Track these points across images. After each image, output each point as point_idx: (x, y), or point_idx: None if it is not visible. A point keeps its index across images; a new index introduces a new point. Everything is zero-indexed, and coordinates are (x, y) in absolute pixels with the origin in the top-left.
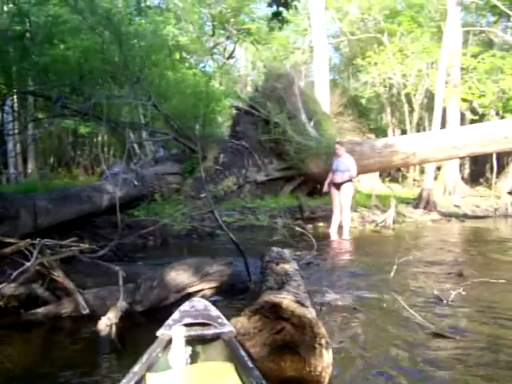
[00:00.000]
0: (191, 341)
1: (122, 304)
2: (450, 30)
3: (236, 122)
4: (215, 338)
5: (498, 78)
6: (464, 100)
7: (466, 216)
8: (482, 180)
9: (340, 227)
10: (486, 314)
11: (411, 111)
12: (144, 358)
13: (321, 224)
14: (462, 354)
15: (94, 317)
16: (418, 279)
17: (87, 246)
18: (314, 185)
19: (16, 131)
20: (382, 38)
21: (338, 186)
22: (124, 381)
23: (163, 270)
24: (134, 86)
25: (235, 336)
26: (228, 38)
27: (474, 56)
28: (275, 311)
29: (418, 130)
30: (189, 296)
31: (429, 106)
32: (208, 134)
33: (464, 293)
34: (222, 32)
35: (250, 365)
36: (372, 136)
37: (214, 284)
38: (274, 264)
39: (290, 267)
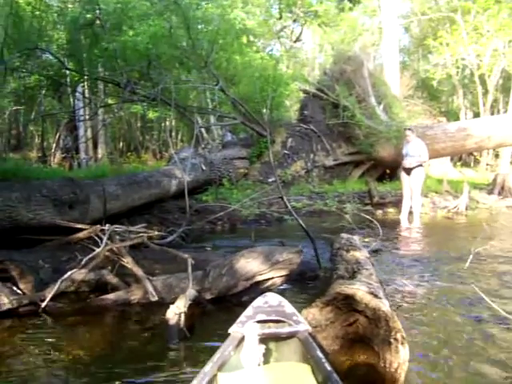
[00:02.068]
0: (265, 339)
1: (190, 292)
2: None
3: (304, 105)
4: (290, 336)
5: None
6: None
7: None
8: None
9: (410, 213)
10: None
11: (485, 93)
12: (216, 356)
13: (391, 210)
14: None
15: (163, 304)
16: (495, 270)
17: (156, 232)
18: (384, 170)
19: (87, 117)
20: (456, 16)
21: (408, 171)
22: (195, 381)
23: (232, 258)
24: (201, 70)
25: (311, 334)
26: (295, 20)
27: None
28: (348, 303)
29: (492, 113)
30: (258, 284)
31: (504, 88)
32: (276, 118)
33: None
34: (289, 15)
35: (328, 367)
36: (443, 119)
37: (283, 272)
38: (344, 251)
39: (361, 255)
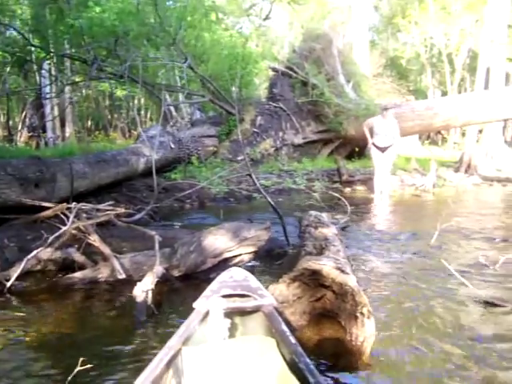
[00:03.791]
0: (230, 313)
1: (158, 269)
2: None
3: (273, 83)
4: (255, 310)
5: None
6: (510, 60)
7: (508, 180)
8: None
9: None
10: None
11: (453, 72)
12: (180, 331)
13: (359, 187)
14: None
15: (131, 282)
16: (460, 245)
17: (123, 210)
18: (353, 147)
19: (53, 94)
20: None
21: (383, 149)
22: (160, 355)
23: (200, 235)
24: (169, 47)
25: (276, 308)
26: None
27: None
28: (315, 278)
29: (459, 92)
30: (226, 261)
31: (471, 67)
32: (245, 96)
33: None
34: None
35: (292, 340)
36: (412, 98)
37: (251, 249)
38: (312, 228)
39: (329, 231)
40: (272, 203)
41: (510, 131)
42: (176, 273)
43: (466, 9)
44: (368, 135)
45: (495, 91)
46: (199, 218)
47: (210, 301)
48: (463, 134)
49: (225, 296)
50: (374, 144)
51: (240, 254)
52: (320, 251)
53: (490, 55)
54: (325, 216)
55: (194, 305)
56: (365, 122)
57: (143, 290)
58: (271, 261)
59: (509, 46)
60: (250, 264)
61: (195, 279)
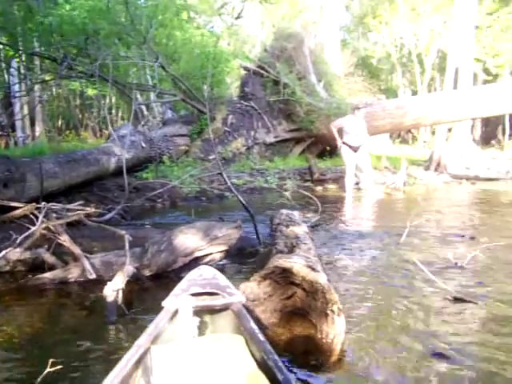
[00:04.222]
0: (199, 311)
1: (128, 268)
2: None
3: (245, 82)
4: (224, 308)
5: None
6: (477, 60)
7: (477, 178)
8: (493, 142)
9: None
10: (501, 276)
11: (422, 72)
12: (149, 329)
13: (331, 186)
14: (484, 317)
15: (101, 282)
16: (430, 242)
17: (94, 209)
18: (324, 146)
19: (22, 93)
20: None
21: (356, 149)
22: (129, 354)
23: (171, 234)
24: (140, 46)
25: (245, 305)
26: None
27: (490, 14)
28: (286, 276)
29: (429, 91)
30: (197, 260)
31: (440, 67)
32: (216, 95)
33: (481, 255)
34: None
35: (261, 337)
36: (382, 97)
37: (222, 248)
38: (283, 227)
39: (300, 230)
40: (243, 202)
41: (478, 130)
42: (147, 272)
43: (434, 10)
44: (336, 135)
45: (463, 91)
46: (171, 218)
47: (179, 299)
48: (433, 133)
49: (194, 294)
50: (345, 143)
51: (211, 253)
52: (291, 249)
53: (458, 55)
54: (296, 214)
55: (163, 303)
56: (333, 123)
57: (113, 289)
58: (242, 259)
59: (476, 46)
60: (221, 263)
61: (166, 278)
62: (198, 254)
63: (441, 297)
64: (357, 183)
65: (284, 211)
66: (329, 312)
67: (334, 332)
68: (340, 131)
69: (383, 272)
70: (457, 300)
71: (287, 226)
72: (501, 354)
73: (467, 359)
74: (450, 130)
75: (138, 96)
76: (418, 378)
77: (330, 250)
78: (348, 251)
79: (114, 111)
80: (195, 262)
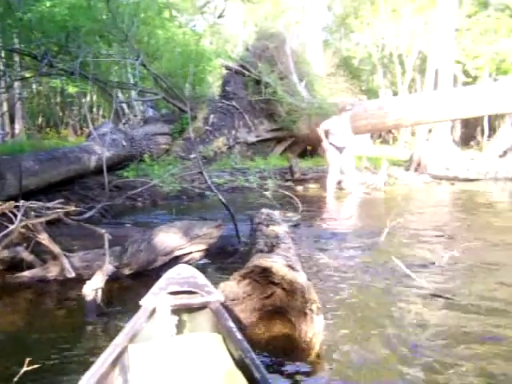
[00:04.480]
0: (177, 310)
1: (108, 267)
2: None
3: (226, 82)
4: (202, 307)
5: (493, 40)
6: (457, 62)
7: (456, 179)
8: (472, 143)
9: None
10: (477, 274)
11: (403, 73)
12: (127, 328)
13: (312, 186)
14: (458, 315)
15: (81, 280)
16: (409, 242)
17: (73, 208)
18: (305, 146)
19: (1, 90)
20: None
21: (340, 149)
22: (106, 353)
23: (151, 233)
24: (122, 44)
25: (224, 304)
26: None
27: (469, 16)
28: (265, 275)
29: (409, 92)
30: (177, 259)
31: (421, 68)
32: (198, 94)
33: (458, 255)
34: None
35: (239, 336)
36: (364, 97)
37: (202, 247)
38: (264, 226)
39: (281, 229)
40: (223, 201)
41: (458, 131)
42: (127, 271)
43: (416, 11)
44: (324, 137)
45: (444, 92)
46: (151, 217)
47: (158, 298)
48: (413, 134)
49: (172, 293)
50: (331, 144)
51: (191, 252)
52: (271, 249)
53: (438, 57)
54: (277, 214)
55: (141, 302)
56: (319, 125)
57: (93, 288)
58: (223, 258)
59: (456, 48)
60: (201, 262)
61: (146, 277)
62: (178, 252)
63: (419, 294)
64: (339, 183)
65: (265, 210)
66: (308, 311)
67: (313, 331)
68: (326, 133)
69: (363, 271)
70: (435, 297)
71: (267, 226)
72: (473, 347)
73: (442, 353)
74: (430, 130)
75: (120, 94)
76: (397, 373)
77: (310, 249)
78: (328, 250)
79: (95, 109)
80: (175, 261)
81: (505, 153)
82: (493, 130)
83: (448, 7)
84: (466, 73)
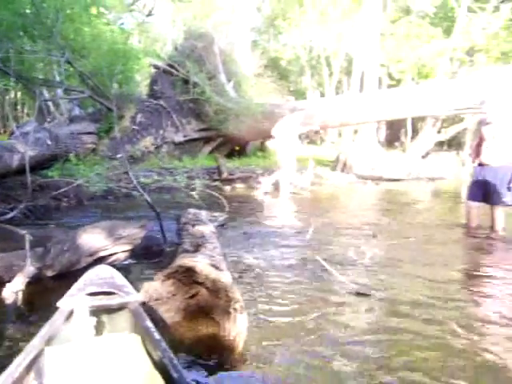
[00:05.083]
0: (95, 311)
1: (29, 269)
2: None
3: (154, 81)
4: (121, 307)
5: (415, 45)
6: (382, 65)
7: (381, 179)
8: (396, 144)
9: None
10: (399, 270)
11: (330, 74)
12: (43, 331)
13: (239, 185)
14: (379, 310)
15: (1, 283)
16: (334, 240)
17: None
18: (233, 146)
19: None
20: None
21: (291, 148)
22: (20, 357)
23: (75, 234)
24: (47, 40)
25: (143, 304)
26: None
27: (393, 22)
28: (189, 275)
29: (336, 93)
30: (102, 260)
31: (348, 70)
32: (125, 92)
33: (380, 253)
34: None
35: (157, 336)
36: (292, 98)
37: (127, 247)
38: (190, 226)
39: (207, 229)
40: (149, 201)
41: (383, 132)
42: (50, 272)
43: (342, 15)
44: (283, 139)
45: (369, 94)
46: (77, 217)
47: (75, 299)
48: (340, 135)
49: (90, 294)
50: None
51: (116, 253)
52: (196, 248)
53: (364, 60)
54: (203, 214)
55: (58, 303)
56: (275, 128)
57: (13, 291)
58: (148, 259)
59: (381, 52)
60: (126, 262)
61: (70, 278)
62: (102, 253)
63: (341, 291)
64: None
65: (191, 210)
66: (231, 310)
67: (237, 330)
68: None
69: (288, 269)
70: (359, 294)
71: (194, 226)
72: (395, 338)
73: (366, 347)
74: (356, 131)
75: (45, 92)
76: (318, 369)
77: (235, 248)
78: (253, 249)
79: (19, 107)
80: (100, 262)
81: (427, 153)
82: (416, 132)
83: (372, 12)
84: (390, 76)
